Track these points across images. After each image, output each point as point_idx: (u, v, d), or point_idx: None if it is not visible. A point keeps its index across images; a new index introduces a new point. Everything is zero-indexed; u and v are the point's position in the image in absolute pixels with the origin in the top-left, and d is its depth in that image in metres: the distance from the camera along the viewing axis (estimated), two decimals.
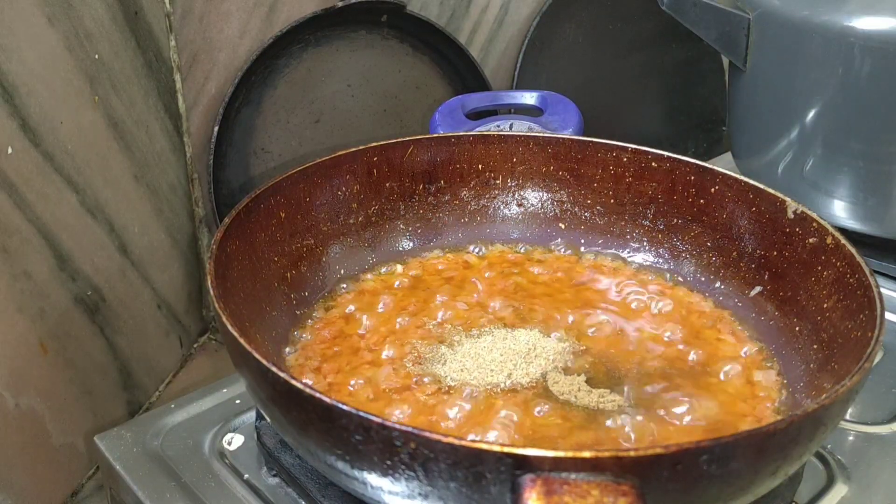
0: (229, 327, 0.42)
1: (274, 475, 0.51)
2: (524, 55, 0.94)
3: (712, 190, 0.59)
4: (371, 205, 0.63)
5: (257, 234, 0.55)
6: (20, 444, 0.54)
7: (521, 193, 0.65)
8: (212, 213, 0.72)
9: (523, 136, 0.65)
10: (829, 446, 0.54)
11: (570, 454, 0.34)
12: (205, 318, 0.75)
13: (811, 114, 0.71)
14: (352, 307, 0.57)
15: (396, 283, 0.60)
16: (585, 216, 0.64)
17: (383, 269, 0.62)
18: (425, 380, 0.50)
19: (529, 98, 0.79)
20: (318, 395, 0.38)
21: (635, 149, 0.62)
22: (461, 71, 0.85)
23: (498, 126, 0.73)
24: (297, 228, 0.58)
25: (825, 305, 0.51)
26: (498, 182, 0.65)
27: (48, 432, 0.57)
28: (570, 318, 0.56)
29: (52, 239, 0.55)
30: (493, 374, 0.50)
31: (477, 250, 0.64)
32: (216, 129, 0.71)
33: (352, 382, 0.50)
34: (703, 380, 0.51)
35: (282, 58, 0.74)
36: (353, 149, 0.61)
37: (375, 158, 0.62)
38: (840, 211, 0.72)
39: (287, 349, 0.54)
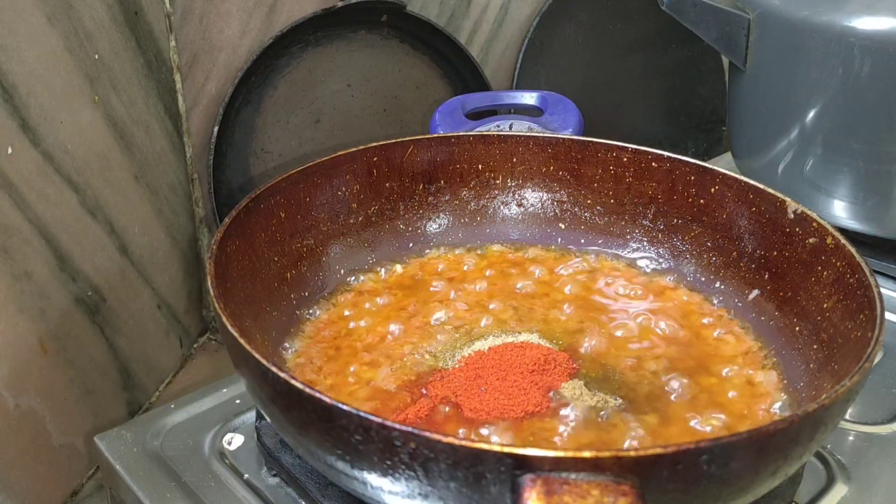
0: (229, 327, 0.42)
1: (274, 475, 0.51)
2: (524, 55, 0.94)
3: (712, 190, 0.59)
4: (371, 205, 0.63)
5: (257, 234, 0.55)
6: (20, 444, 0.54)
7: (521, 193, 0.65)
8: (212, 213, 0.72)
9: (523, 136, 0.65)
10: (829, 446, 0.54)
11: (570, 454, 0.34)
12: (205, 318, 0.75)
13: (811, 114, 0.71)
14: (352, 307, 0.57)
15: (396, 283, 0.60)
16: (585, 216, 0.64)
17: (383, 269, 0.62)
18: (425, 380, 0.50)
19: (529, 98, 0.79)
20: (318, 395, 0.38)
21: (635, 149, 0.62)
22: (461, 71, 0.85)
23: (498, 126, 0.73)
24: (297, 228, 0.58)
25: (825, 305, 0.51)
26: (498, 182, 0.65)
27: (48, 432, 0.57)
28: (570, 319, 0.56)
29: (52, 239, 0.55)
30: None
31: (477, 250, 0.64)
32: (216, 129, 0.71)
33: (352, 382, 0.50)
34: (704, 380, 0.51)
35: (282, 58, 0.74)
36: (353, 149, 0.61)
37: (375, 158, 0.62)
38: (840, 211, 0.72)
39: (287, 349, 0.54)
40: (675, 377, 0.51)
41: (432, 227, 0.65)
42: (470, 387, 0.49)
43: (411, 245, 0.64)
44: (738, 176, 0.58)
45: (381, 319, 0.56)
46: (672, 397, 0.50)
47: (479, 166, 0.65)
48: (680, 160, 0.61)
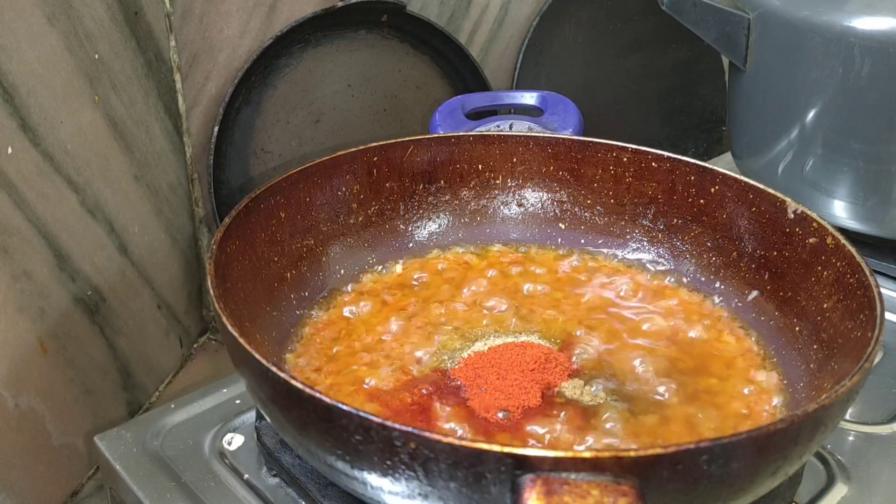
0: (229, 327, 0.42)
1: (274, 475, 0.51)
2: (524, 55, 0.94)
3: (712, 190, 0.59)
4: (371, 205, 0.63)
5: (257, 234, 0.55)
6: (20, 444, 0.54)
7: (521, 193, 0.65)
8: (212, 213, 0.72)
9: (523, 136, 0.65)
10: (829, 446, 0.54)
11: (570, 454, 0.34)
12: (205, 318, 0.75)
13: (811, 114, 0.71)
14: (351, 307, 0.57)
15: (396, 283, 0.60)
16: (585, 216, 0.64)
17: (383, 269, 0.62)
18: (425, 380, 0.50)
19: (529, 98, 0.79)
20: (318, 395, 0.38)
21: (635, 149, 0.62)
22: (461, 71, 0.85)
23: (498, 126, 0.73)
24: (297, 228, 0.58)
25: (825, 305, 0.51)
26: (498, 182, 0.65)
27: (48, 432, 0.57)
28: (570, 319, 0.56)
29: (52, 239, 0.55)
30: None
31: (477, 250, 0.64)
32: (216, 129, 0.70)
33: (351, 382, 0.50)
34: (703, 380, 0.51)
35: (282, 58, 0.74)
36: (353, 149, 0.61)
37: (375, 158, 0.62)
38: (840, 211, 0.72)
39: (287, 349, 0.54)
40: (674, 377, 0.51)
41: (432, 226, 0.65)
42: (470, 386, 0.49)
43: (411, 245, 0.64)
44: (738, 176, 0.58)
45: (380, 320, 0.56)
46: (672, 397, 0.50)
47: (479, 166, 0.65)
48: (680, 160, 0.61)
